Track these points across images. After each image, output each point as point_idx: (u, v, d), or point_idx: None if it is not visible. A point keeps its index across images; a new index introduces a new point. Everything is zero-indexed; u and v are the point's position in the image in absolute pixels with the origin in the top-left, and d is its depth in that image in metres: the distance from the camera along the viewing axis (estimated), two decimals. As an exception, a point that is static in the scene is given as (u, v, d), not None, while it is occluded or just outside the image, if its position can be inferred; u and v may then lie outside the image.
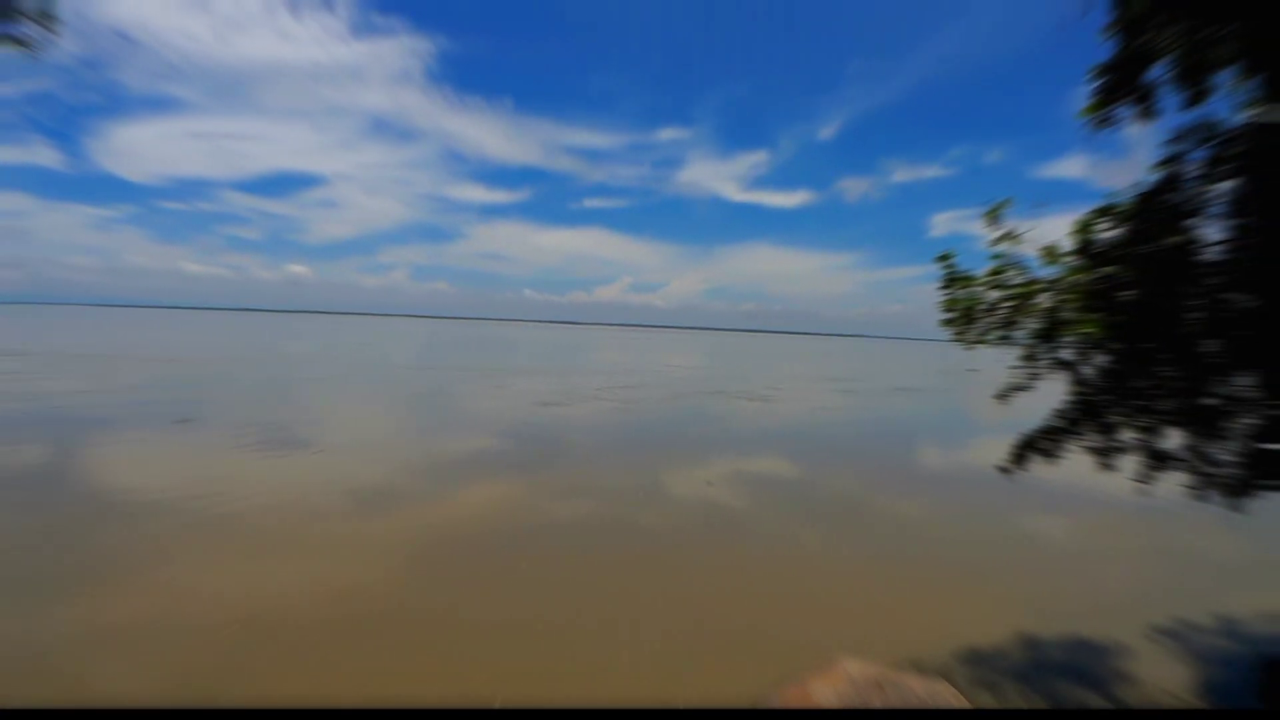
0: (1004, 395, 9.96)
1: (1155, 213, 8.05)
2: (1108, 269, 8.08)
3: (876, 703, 8.51)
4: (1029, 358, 9.80)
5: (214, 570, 14.40)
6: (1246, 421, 8.35)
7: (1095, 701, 11.40)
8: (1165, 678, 12.11)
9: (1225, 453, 8.36)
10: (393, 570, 14.66)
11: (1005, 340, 10.04)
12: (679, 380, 66.23)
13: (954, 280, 10.60)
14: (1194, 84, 7.92)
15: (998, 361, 10.16)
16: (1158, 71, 8.19)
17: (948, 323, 10.51)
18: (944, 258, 10.87)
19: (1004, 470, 10.40)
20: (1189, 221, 8.00)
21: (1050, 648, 13.04)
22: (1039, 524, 20.95)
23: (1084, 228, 8.28)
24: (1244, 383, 8.36)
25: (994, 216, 10.15)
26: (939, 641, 12.76)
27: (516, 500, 20.75)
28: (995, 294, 10.15)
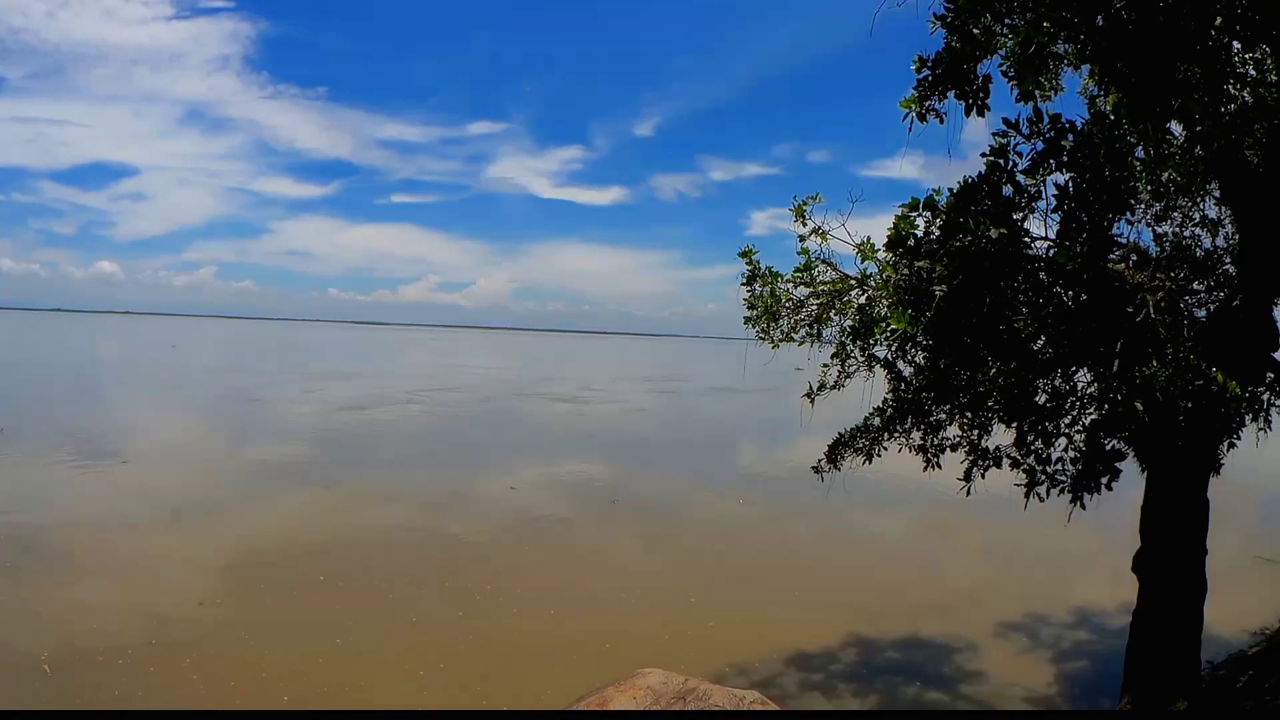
0: (812, 394, 9.40)
1: (975, 206, 7.53)
2: (921, 263, 7.46)
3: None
4: (841, 356, 9.24)
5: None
6: (1079, 417, 8.22)
7: (933, 699, 11.31)
8: (1005, 671, 12.21)
9: (1057, 449, 8.17)
10: (204, 588, 14.05)
11: (814, 338, 9.46)
12: (489, 383, 65.26)
13: (756, 277, 9.93)
14: (1026, 77, 7.54)
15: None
16: (988, 65, 7.83)
17: (750, 320, 9.91)
18: (745, 254, 10.23)
19: (818, 470, 10.00)
20: (1014, 215, 7.56)
21: (883, 648, 12.97)
22: (869, 524, 21.45)
23: (899, 222, 7.67)
24: (1075, 379, 8.25)
25: (801, 212, 9.56)
26: (762, 648, 12.32)
27: (326, 510, 20.11)
28: (803, 291, 9.52)
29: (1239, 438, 9.43)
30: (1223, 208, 9.65)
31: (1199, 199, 9.98)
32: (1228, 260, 9.53)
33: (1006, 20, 7.12)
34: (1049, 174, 7.41)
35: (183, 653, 11.28)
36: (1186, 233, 10.02)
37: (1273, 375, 9.37)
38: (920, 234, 7.87)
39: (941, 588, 16.13)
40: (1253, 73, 9.14)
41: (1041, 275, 7.36)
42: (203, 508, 19.56)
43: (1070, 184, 7.35)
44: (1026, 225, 7.58)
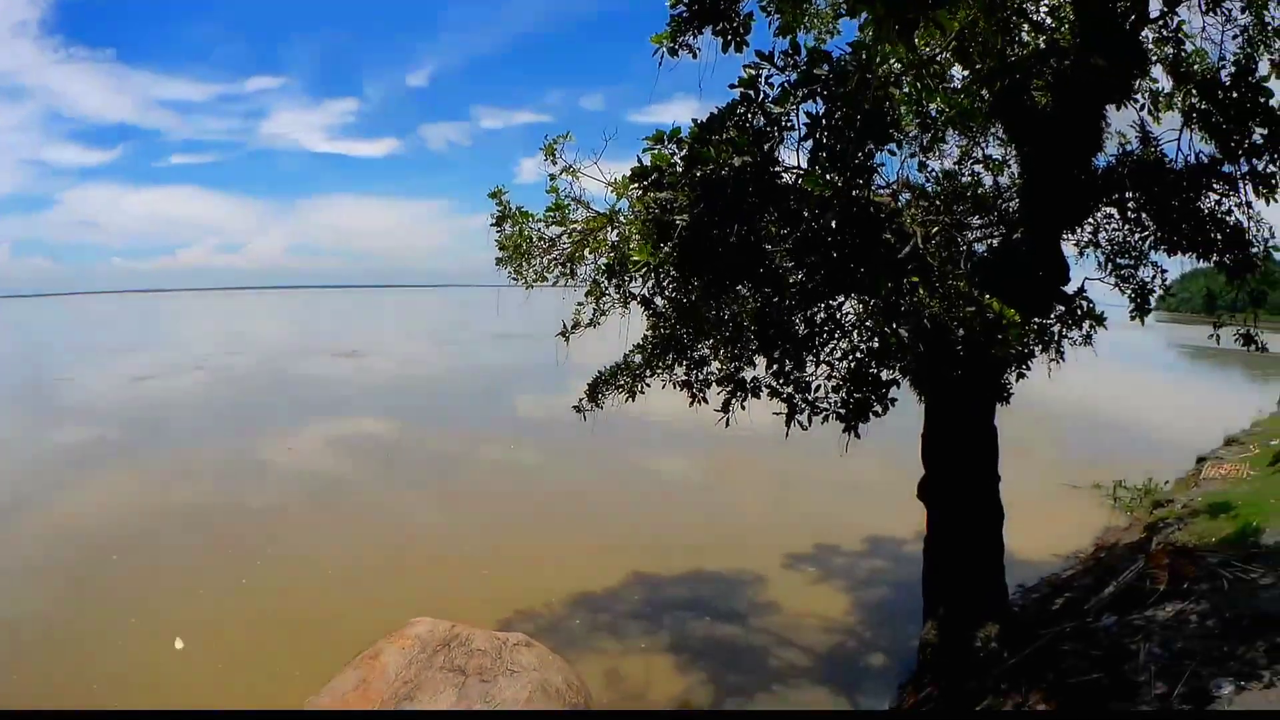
0: (566, 333, 9.26)
1: (722, 135, 7.33)
2: (664, 194, 7.23)
3: (440, 661, 7.51)
4: (595, 294, 9.04)
5: None
6: (842, 346, 8.19)
7: (724, 633, 11.52)
8: (798, 602, 12.55)
9: (818, 378, 8.11)
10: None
11: (568, 277, 9.18)
12: (272, 345, 61.71)
13: (506, 217, 9.50)
14: (785, 9, 7.36)
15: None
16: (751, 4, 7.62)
17: (501, 262, 9.51)
18: (495, 194, 9.76)
19: (579, 409, 9.85)
20: (764, 144, 7.40)
21: (669, 585, 13.12)
22: (655, 465, 21.71)
23: (653, 158, 7.37)
24: (837, 307, 8.19)
25: (551, 151, 9.15)
26: (547, 593, 12.22)
27: (123, 490, 18.95)
28: (555, 230, 9.17)
29: (1029, 368, 9.54)
30: (1008, 147, 9.82)
31: (980, 139, 10.15)
32: (1013, 198, 9.65)
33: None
34: (799, 103, 7.28)
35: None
36: (966, 170, 10.14)
37: (1064, 308, 9.56)
38: (666, 165, 7.63)
39: (728, 523, 16.50)
40: (1049, 21, 9.61)
41: (793, 204, 7.12)
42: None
43: (823, 113, 7.21)
44: (781, 156, 7.44)
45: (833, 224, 7.19)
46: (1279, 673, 7.10)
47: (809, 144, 7.11)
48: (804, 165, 7.21)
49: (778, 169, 7.32)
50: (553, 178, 9.08)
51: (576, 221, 9.06)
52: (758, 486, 19.82)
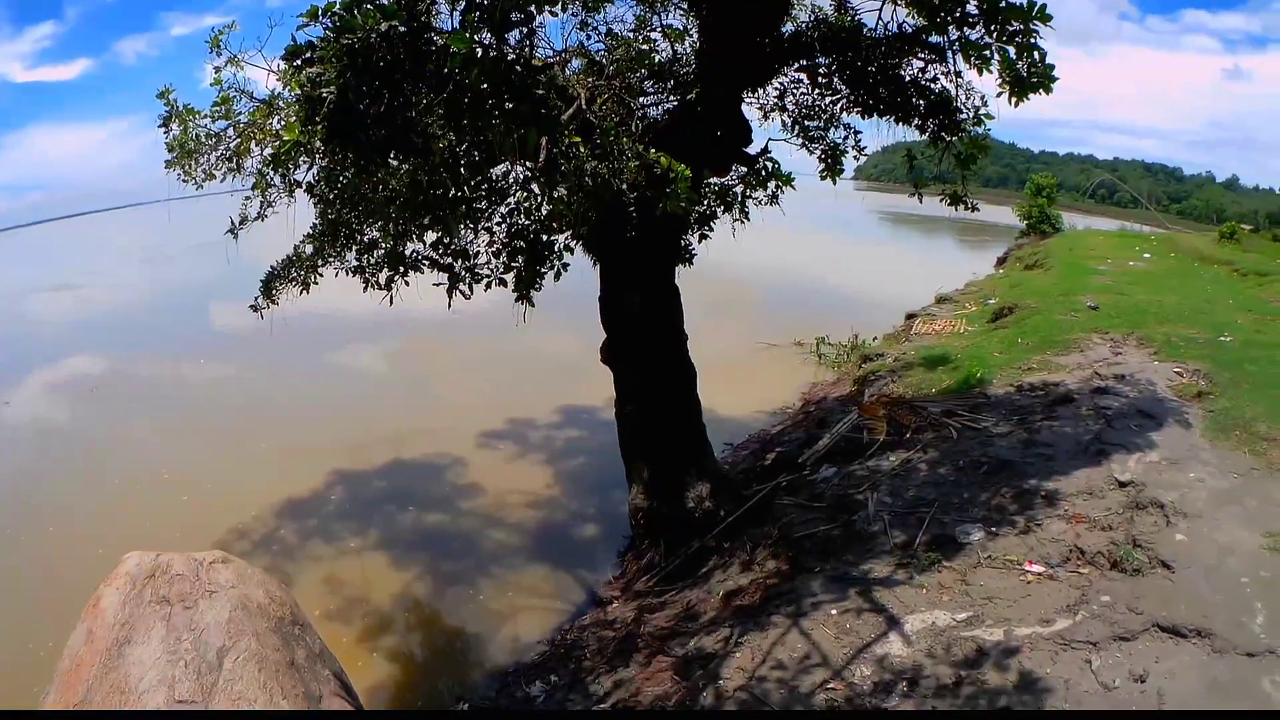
0: (235, 229, 9.13)
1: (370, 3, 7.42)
2: (314, 70, 7.38)
3: (149, 594, 7.12)
4: (261, 186, 9.04)
5: None
6: (501, 212, 8.16)
7: (432, 521, 11.63)
8: (500, 480, 12.73)
9: (479, 245, 8.07)
10: None
11: (235, 172, 9.15)
12: None
13: (173, 116, 9.30)
14: None
15: None
16: None
17: (171, 164, 9.18)
18: (163, 94, 9.41)
19: (255, 308, 9.53)
20: (415, 7, 7.42)
21: (370, 480, 13.10)
22: (348, 361, 20.79)
23: (300, 30, 7.36)
24: (503, 175, 8.08)
25: (217, 44, 9.05)
26: (256, 508, 11.88)
27: None
28: (222, 124, 9.13)
29: (711, 229, 9.74)
30: (689, 16, 9.49)
31: (660, 6, 9.83)
32: (691, 64, 9.34)
33: None
34: None
35: None
36: (642, 39, 9.55)
37: (746, 169, 9.52)
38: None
39: (422, 411, 16.32)
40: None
41: (443, 67, 6.82)
42: None
43: None
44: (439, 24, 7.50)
45: (483, 86, 6.84)
46: (1034, 519, 7.22)
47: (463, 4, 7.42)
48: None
49: (431, 34, 7.54)
50: (217, 70, 9.01)
51: (241, 114, 9.08)
52: (448, 371, 19.66)
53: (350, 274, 8.95)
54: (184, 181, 9.30)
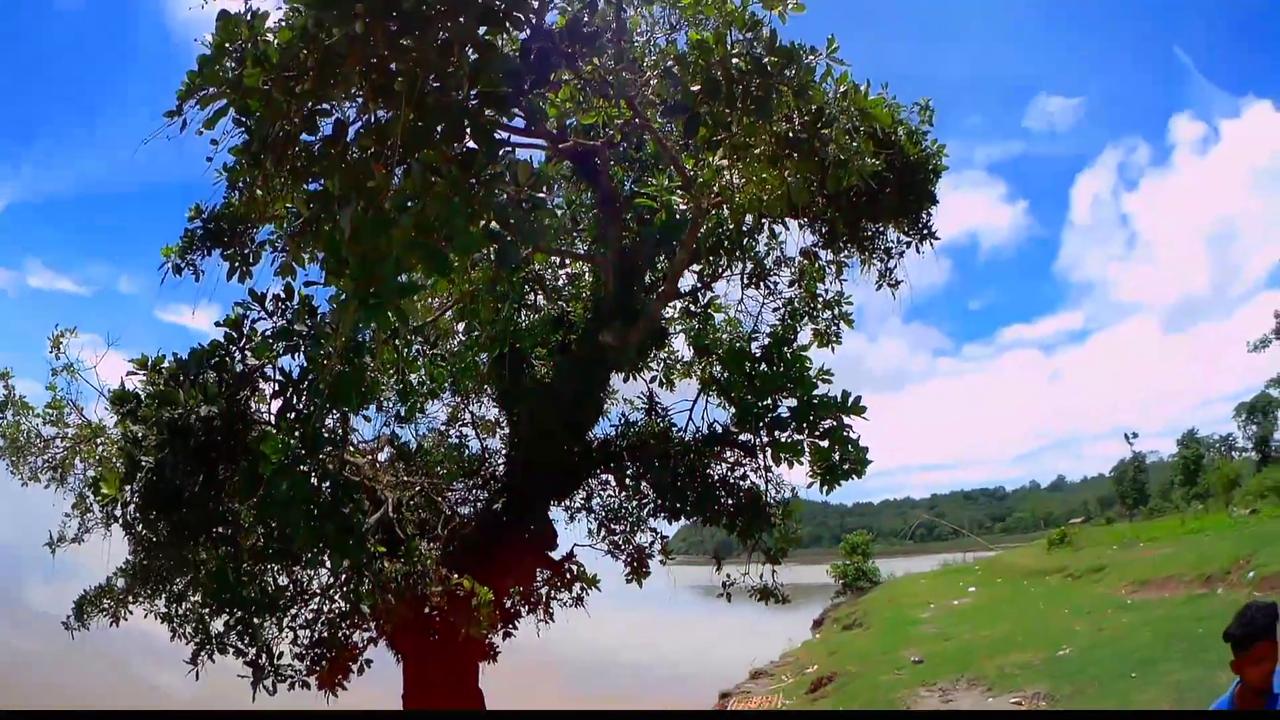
0: (53, 545, 8.62)
1: (199, 376, 6.95)
2: (137, 428, 6.78)
3: None
4: (81, 508, 8.39)
5: None
6: (307, 614, 7.98)
7: None
8: None
9: (283, 643, 7.77)
10: None
11: (58, 483, 8.52)
12: None
13: (8, 404, 8.71)
14: (293, 250, 7.19)
15: None
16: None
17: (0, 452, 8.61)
18: (3, 375, 8.91)
19: (67, 626, 8.96)
20: (240, 393, 7.01)
21: None
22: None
23: (130, 376, 6.85)
24: (303, 572, 7.89)
25: (58, 344, 8.53)
26: None
27: None
28: (51, 430, 8.46)
29: (515, 627, 9.72)
30: (503, 411, 9.93)
31: (475, 400, 10.29)
32: (502, 461, 9.76)
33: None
34: (278, 356, 7.06)
35: None
36: (454, 432, 10.24)
37: (549, 572, 9.66)
38: (144, 395, 7.18)
39: None
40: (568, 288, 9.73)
41: (256, 465, 6.61)
42: None
43: (297, 370, 6.99)
44: (257, 408, 7.14)
45: (291, 492, 6.61)
46: None
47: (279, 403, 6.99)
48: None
49: (250, 421, 7.05)
50: (55, 373, 8.48)
51: (69, 425, 8.42)
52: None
53: (158, 619, 8.46)
54: (11, 474, 8.66)
